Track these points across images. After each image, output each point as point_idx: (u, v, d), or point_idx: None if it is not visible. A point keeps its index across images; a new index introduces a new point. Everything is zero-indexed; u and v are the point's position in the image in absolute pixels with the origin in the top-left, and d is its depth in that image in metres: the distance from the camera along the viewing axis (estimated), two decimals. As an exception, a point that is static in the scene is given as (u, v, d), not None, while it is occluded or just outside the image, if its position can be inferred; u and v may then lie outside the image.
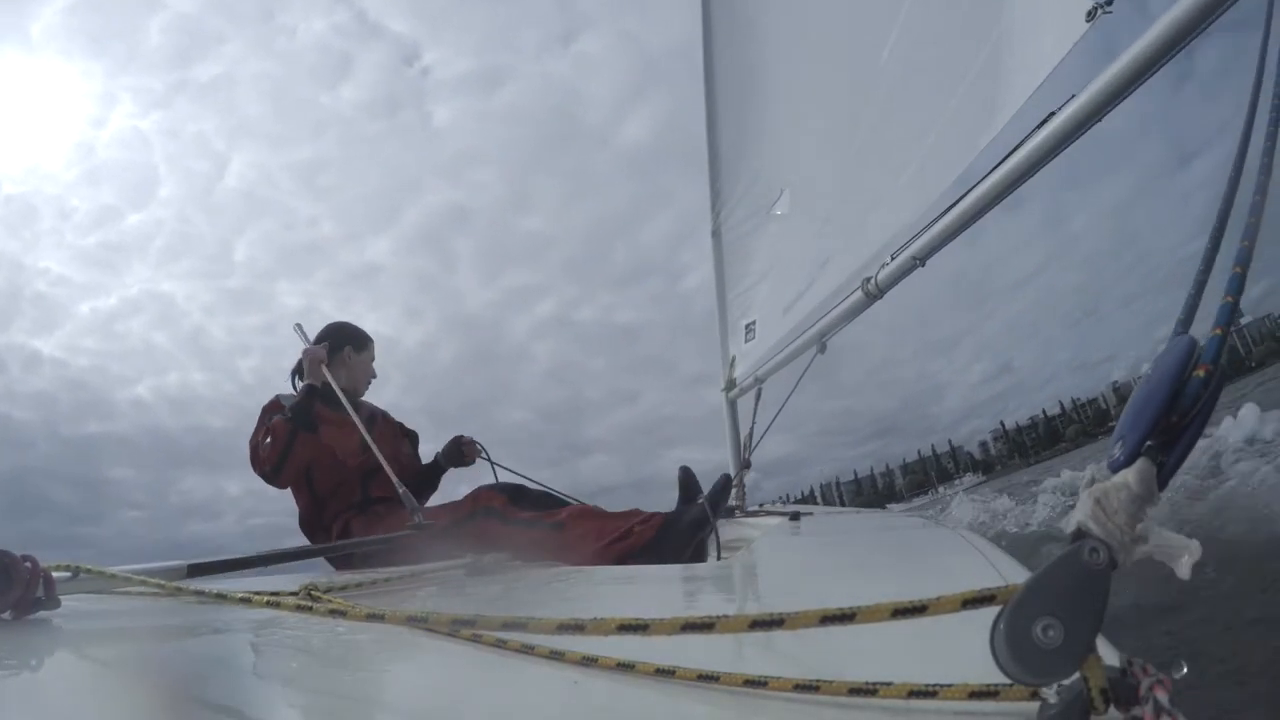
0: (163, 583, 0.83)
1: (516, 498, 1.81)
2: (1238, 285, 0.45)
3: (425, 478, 2.23)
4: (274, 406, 2.03)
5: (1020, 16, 1.60)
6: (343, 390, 2.01)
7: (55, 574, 0.80)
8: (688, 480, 1.88)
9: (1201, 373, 0.36)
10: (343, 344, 2.17)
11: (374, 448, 1.78)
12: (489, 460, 2.18)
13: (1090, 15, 1.30)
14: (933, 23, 2.04)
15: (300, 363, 2.13)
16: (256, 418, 2.01)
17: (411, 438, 2.32)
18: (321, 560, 1.78)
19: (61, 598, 0.78)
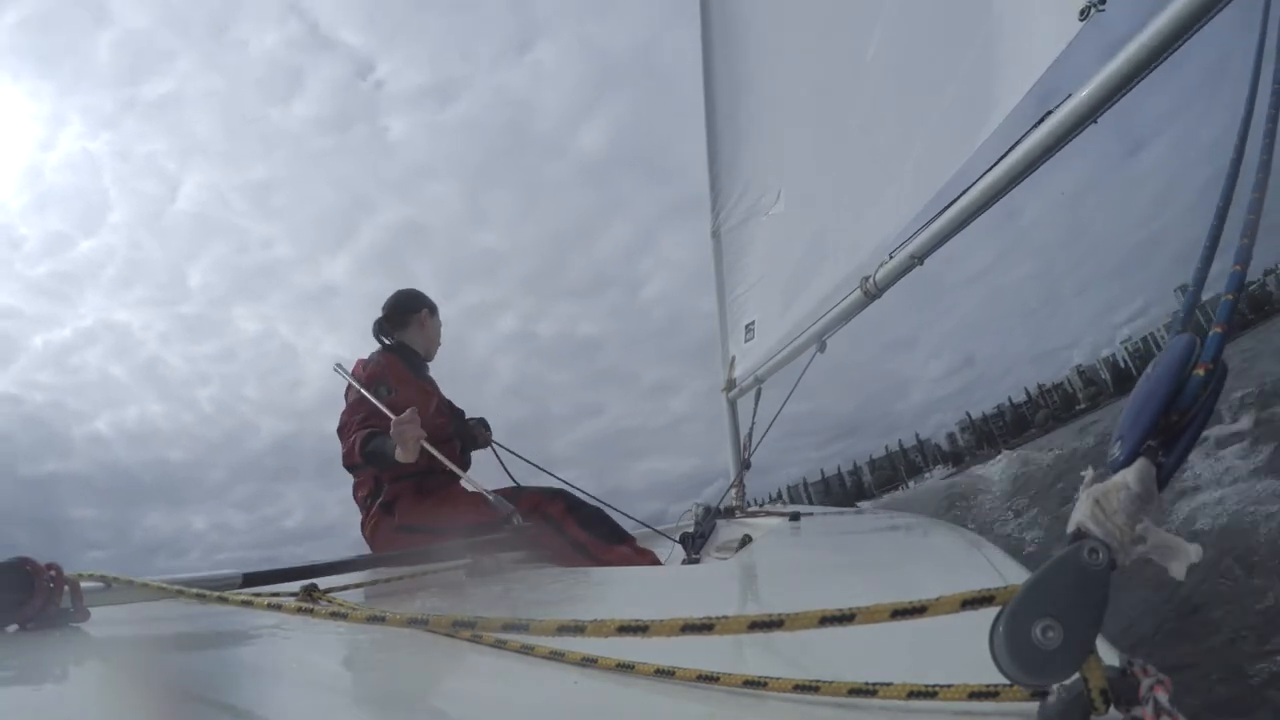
0: (178, 590, 0.83)
1: (574, 507, 1.83)
2: (1238, 283, 0.45)
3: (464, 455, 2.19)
4: (362, 413, 1.90)
5: (1010, 14, 1.59)
6: (419, 353, 2.12)
7: (85, 584, 0.79)
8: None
9: (1201, 371, 0.36)
10: (420, 306, 2.20)
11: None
12: (497, 445, 2.18)
13: (1084, 14, 1.29)
14: (916, 19, 2.04)
15: (380, 323, 2.14)
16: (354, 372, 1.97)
17: (458, 413, 2.28)
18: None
19: (92, 609, 0.77)
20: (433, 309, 2.23)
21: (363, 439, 1.81)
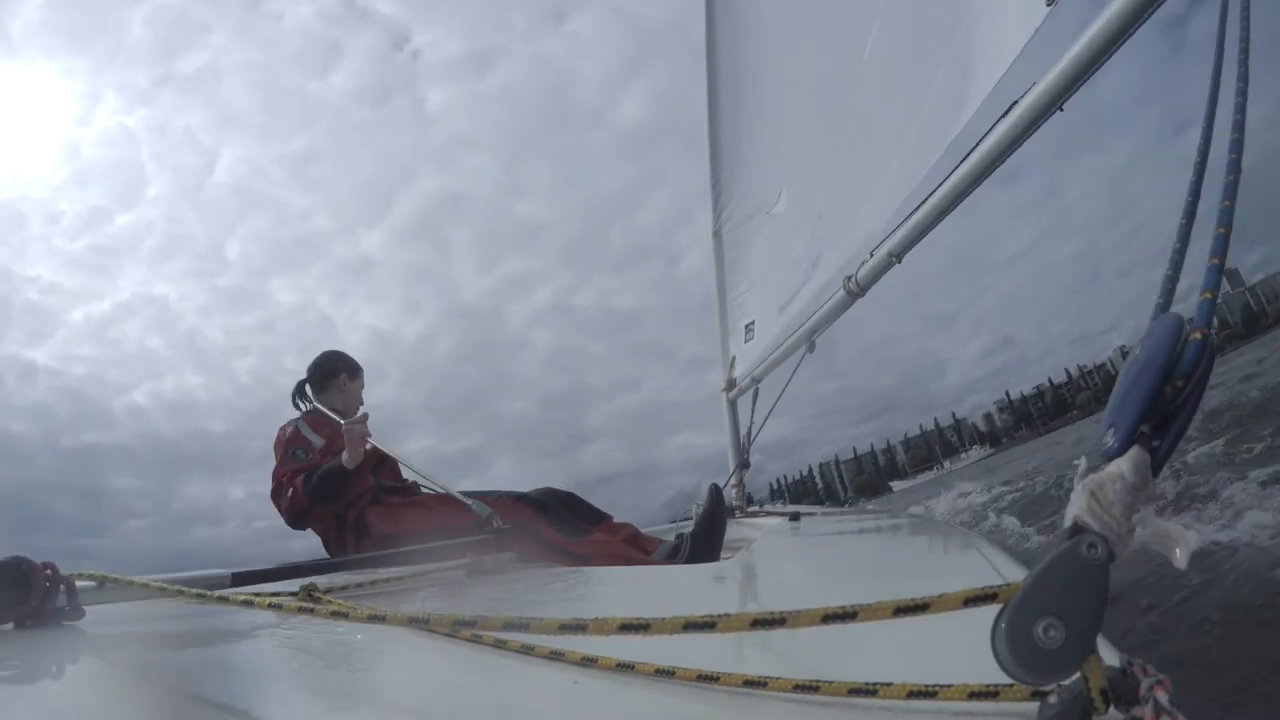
0: (175, 589, 0.83)
1: (541, 509, 1.80)
2: (1222, 246, 0.44)
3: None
4: (294, 440, 2.03)
5: (986, 5, 1.59)
6: (337, 412, 2.16)
7: (80, 583, 0.80)
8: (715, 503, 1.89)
9: (1199, 335, 0.35)
10: (339, 370, 2.28)
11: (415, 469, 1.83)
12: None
13: (1050, 0, 1.28)
14: (908, 15, 2.03)
15: (301, 385, 2.23)
16: (274, 444, 2.05)
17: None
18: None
19: (87, 607, 0.78)
20: (353, 372, 2.30)
21: (303, 479, 1.89)
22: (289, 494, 1.91)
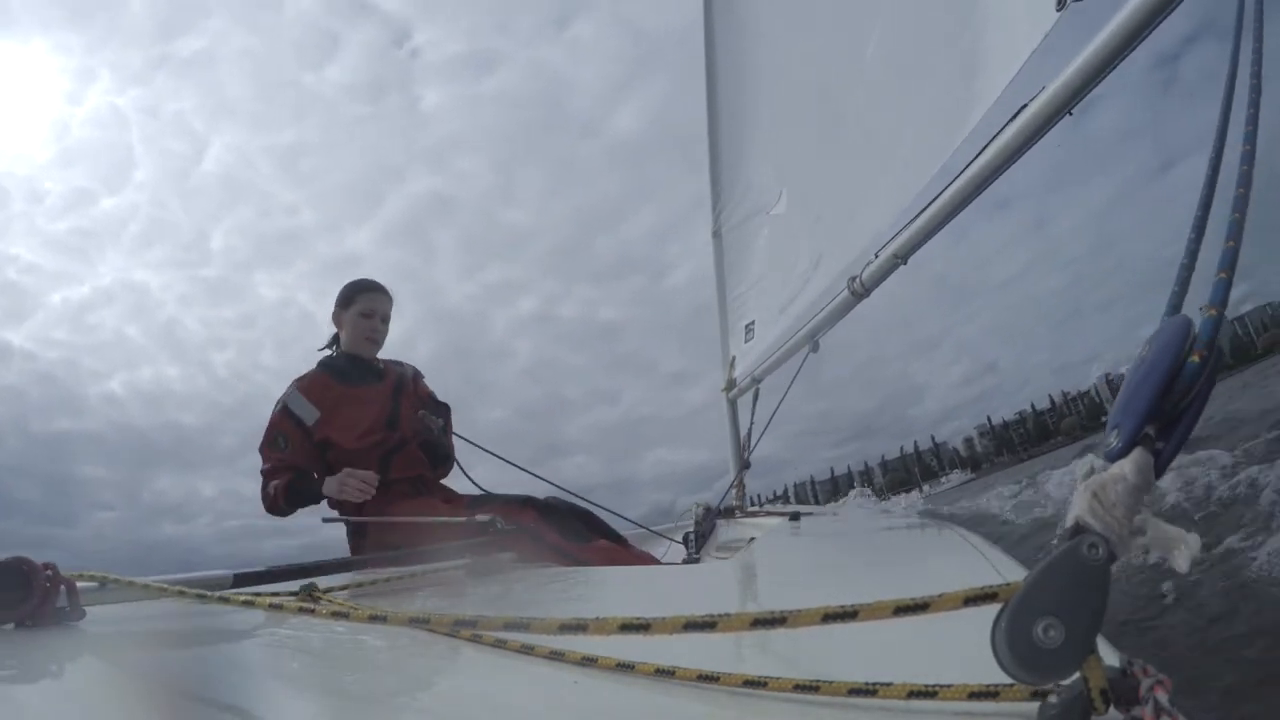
0: (176, 590, 0.83)
1: (546, 512, 1.78)
2: (1231, 260, 0.44)
3: (436, 457, 2.02)
4: (279, 423, 1.86)
5: (995, 7, 1.59)
6: (360, 356, 1.95)
7: (81, 584, 0.80)
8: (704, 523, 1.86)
9: (1197, 358, 0.35)
10: (337, 304, 1.99)
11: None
12: (458, 436, 2.06)
13: (1060, 4, 1.28)
14: (913, 14, 2.03)
15: (338, 335, 2.03)
16: (265, 427, 1.87)
17: (442, 410, 2.08)
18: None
19: (88, 608, 0.78)
20: (345, 300, 1.97)
21: (287, 488, 1.75)
22: (271, 494, 1.81)
